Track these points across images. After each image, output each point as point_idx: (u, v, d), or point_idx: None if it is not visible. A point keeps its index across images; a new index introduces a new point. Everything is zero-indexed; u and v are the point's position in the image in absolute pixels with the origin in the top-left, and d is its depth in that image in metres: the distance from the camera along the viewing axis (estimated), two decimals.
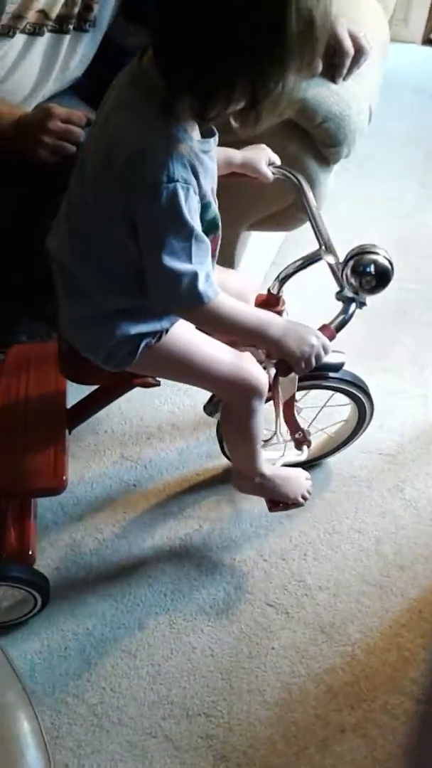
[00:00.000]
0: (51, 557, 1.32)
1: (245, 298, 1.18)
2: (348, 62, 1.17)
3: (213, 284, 0.87)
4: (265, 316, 0.94)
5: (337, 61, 1.17)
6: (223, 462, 1.43)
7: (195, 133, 0.84)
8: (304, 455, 1.30)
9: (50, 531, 1.36)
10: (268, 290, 1.03)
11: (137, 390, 1.18)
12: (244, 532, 1.37)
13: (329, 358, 1.19)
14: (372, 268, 0.92)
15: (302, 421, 1.29)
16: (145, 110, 0.79)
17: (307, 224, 1.31)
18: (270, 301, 1.03)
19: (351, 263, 0.93)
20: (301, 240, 1.10)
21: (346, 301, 0.96)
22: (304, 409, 1.31)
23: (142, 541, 1.35)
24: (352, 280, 0.93)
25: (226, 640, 1.23)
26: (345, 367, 1.19)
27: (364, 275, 0.92)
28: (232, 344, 1.08)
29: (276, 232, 1.46)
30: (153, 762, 1.11)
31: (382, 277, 0.93)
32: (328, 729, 1.15)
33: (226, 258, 1.44)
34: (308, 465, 1.42)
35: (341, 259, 0.96)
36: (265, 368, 1.13)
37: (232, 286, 1.15)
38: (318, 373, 1.19)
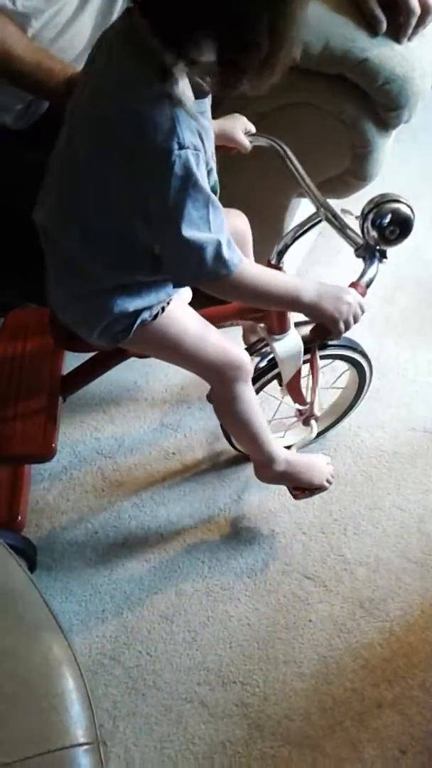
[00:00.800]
0: (90, 521, 1.32)
1: (246, 237, 1.16)
2: (414, 21, 1.12)
3: (236, 250, 0.84)
4: (294, 282, 0.91)
5: (402, 20, 1.12)
6: None
7: (189, 93, 0.80)
8: (314, 430, 1.27)
9: (90, 495, 1.36)
10: (268, 261, 1.00)
11: None
12: (283, 504, 1.35)
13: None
14: (394, 217, 0.88)
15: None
16: (141, 74, 0.74)
17: (362, 193, 1.29)
18: None
19: (371, 215, 0.89)
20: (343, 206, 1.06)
21: (370, 256, 0.92)
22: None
23: (180, 509, 1.35)
24: (374, 233, 0.89)
25: (263, 611, 1.23)
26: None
27: (387, 226, 0.88)
28: (218, 326, 1.07)
29: (329, 199, 1.42)
30: (187, 727, 1.11)
31: (404, 225, 0.89)
32: (365, 704, 1.14)
33: (276, 226, 1.41)
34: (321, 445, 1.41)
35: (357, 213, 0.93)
36: (255, 351, 1.13)
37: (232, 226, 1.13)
38: (322, 344, 1.15)
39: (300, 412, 1.23)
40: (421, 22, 1.15)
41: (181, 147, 0.74)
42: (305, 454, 1.26)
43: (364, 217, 0.90)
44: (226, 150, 1.07)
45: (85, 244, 0.90)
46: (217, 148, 1.03)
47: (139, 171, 0.77)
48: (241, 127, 1.06)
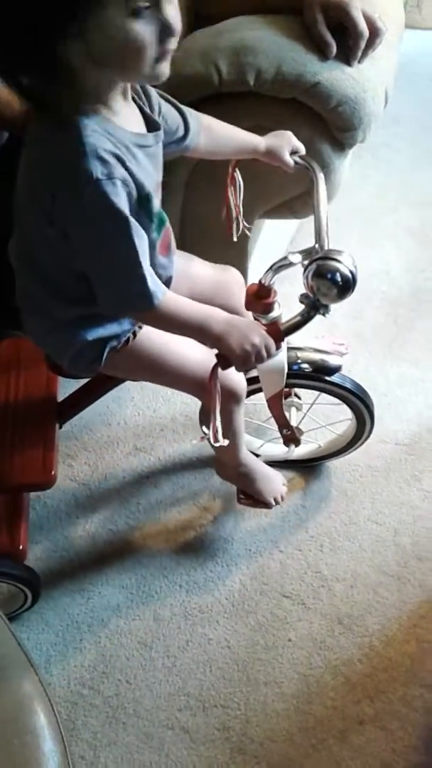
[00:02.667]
0: (65, 550, 1.32)
1: (231, 290, 1.17)
2: (363, 44, 1.15)
3: (158, 281, 0.84)
4: (206, 311, 0.89)
5: (351, 43, 1.15)
6: None
7: (128, 124, 0.81)
8: (290, 453, 1.28)
9: (64, 522, 1.35)
10: (260, 281, 1.01)
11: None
12: (259, 523, 1.35)
13: (328, 360, 1.18)
14: (336, 276, 0.86)
15: (297, 421, 1.29)
16: (43, 123, 0.79)
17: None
18: (261, 292, 0.99)
19: (313, 268, 0.87)
20: (309, 229, 1.08)
21: (307, 305, 0.91)
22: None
23: (156, 533, 1.34)
24: (314, 285, 0.89)
25: (242, 632, 1.22)
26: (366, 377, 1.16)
27: (326, 282, 0.88)
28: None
29: (290, 219, 1.44)
30: (169, 754, 1.10)
31: (343, 286, 0.87)
32: (347, 721, 1.14)
33: (239, 247, 1.42)
34: (298, 465, 1.42)
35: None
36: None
37: (205, 280, 1.15)
38: (310, 374, 1.17)
39: (281, 433, 1.24)
40: (371, 44, 1.17)
41: (90, 179, 0.74)
42: (267, 466, 1.28)
43: (306, 268, 0.89)
44: (269, 167, 1.07)
45: (34, 276, 0.91)
46: (258, 161, 1.06)
47: (57, 208, 0.79)
48: (288, 147, 1.07)
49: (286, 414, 1.23)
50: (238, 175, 1.10)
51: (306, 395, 1.33)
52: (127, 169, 0.78)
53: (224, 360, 0.89)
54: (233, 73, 1.14)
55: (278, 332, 0.92)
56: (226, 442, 0.88)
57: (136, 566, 1.30)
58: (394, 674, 1.18)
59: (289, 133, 1.08)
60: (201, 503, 1.38)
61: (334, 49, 1.15)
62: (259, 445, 1.38)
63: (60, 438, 1.45)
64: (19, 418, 1.19)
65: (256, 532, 1.34)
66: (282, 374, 1.11)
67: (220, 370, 0.89)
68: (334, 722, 1.13)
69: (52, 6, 0.66)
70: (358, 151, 1.31)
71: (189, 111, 0.98)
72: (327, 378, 1.19)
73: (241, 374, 1.08)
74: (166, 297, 0.85)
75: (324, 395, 1.25)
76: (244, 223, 1.15)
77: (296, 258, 0.93)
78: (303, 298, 0.91)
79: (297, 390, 1.34)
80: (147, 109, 0.88)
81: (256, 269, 1.11)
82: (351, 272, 0.87)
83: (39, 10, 0.66)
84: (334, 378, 1.19)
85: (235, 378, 1.06)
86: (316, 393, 1.26)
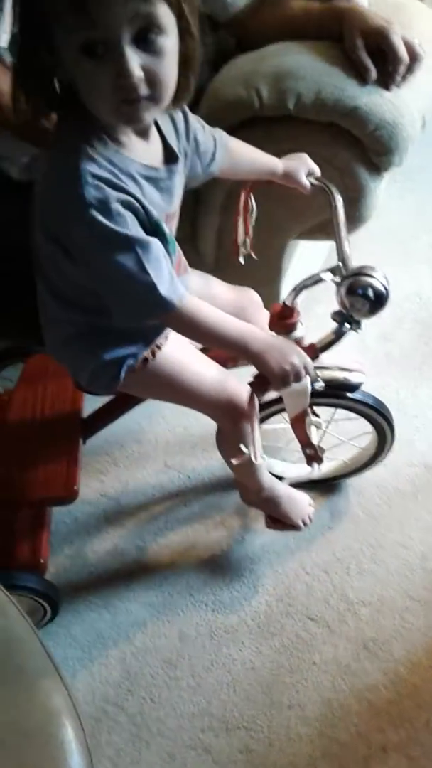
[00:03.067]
0: (93, 565, 1.32)
1: (247, 311, 1.17)
2: (402, 69, 1.16)
3: (177, 287, 0.84)
4: (246, 329, 0.90)
5: (390, 68, 1.16)
6: None
7: (137, 155, 0.82)
8: (315, 473, 1.28)
9: (93, 537, 1.36)
10: (283, 301, 1.02)
11: None
12: (286, 544, 1.35)
13: (348, 377, 1.18)
14: (368, 292, 0.87)
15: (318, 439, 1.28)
16: (50, 150, 0.81)
17: (359, 233, 1.31)
18: (284, 313, 1.01)
19: (346, 284, 0.89)
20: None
21: (340, 322, 0.92)
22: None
23: (183, 551, 1.34)
24: (347, 301, 0.90)
25: (267, 653, 1.22)
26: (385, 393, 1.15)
27: (359, 297, 0.88)
28: (223, 363, 1.07)
29: (325, 241, 1.44)
30: None
31: (376, 301, 0.88)
32: (371, 748, 1.12)
33: (274, 268, 1.43)
34: (324, 485, 1.41)
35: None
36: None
37: (225, 299, 1.15)
38: (332, 392, 1.17)
39: (304, 453, 1.24)
40: (410, 69, 1.18)
41: (87, 205, 0.75)
42: (292, 489, 1.27)
43: (339, 285, 0.90)
44: (286, 190, 1.09)
45: (47, 289, 0.94)
46: (275, 184, 1.08)
47: (61, 231, 0.81)
48: (304, 169, 1.08)
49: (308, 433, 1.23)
50: (251, 200, 1.11)
51: (322, 412, 1.32)
52: (130, 194, 0.78)
53: (262, 380, 0.90)
54: (274, 97, 1.16)
55: (315, 351, 0.93)
56: (264, 459, 0.88)
57: (162, 583, 1.30)
58: (419, 701, 1.17)
59: (305, 156, 1.09)
60: (229, 522, 1.38)
61: (374, 75, 1.16)
62: (282, 467, 1.38)
63: (91, 453, 1.48)
64: (44, 433, 1.21)
65: (283, 553, 1.34)
66: (306, 393, 1.10)
67: (252, 389, 0.90)
68: (357, 748, 1.12)
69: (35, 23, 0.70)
70: (393, 174, 1.32)
71: (217, 135, 1.00)
72: (349, 395, 1.19)
73: (246, 389, 1.09)
74: (187, 303, 0.85)
75: (339, 411, 1.25)
76: (250, 249, 1.15)
77: (328, 276, 0.95)
78: (336, 316, 0.93)
79: (315, 408, 1.34)
80: (172, 140, 0.88)
81: (289, 289, 1.13)
82: (384, 287, 0.88)
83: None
84: (355, 394, 1.19)
85: (241, 392, 1.06)
86: (332, 409, 1.26)
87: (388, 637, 1.24)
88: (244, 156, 1.05)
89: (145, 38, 0.69)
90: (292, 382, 0.91)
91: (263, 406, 1.21)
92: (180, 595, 1.28)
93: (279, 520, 1.27)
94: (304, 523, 1.27)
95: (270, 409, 1.23)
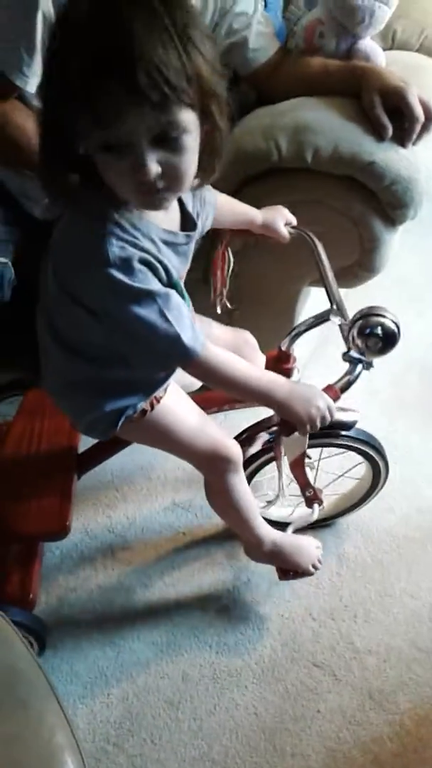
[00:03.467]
0: (98, 601, 1.32)
1: (243, 352, 1.18)
2: (418, 127, 1.20)
3: (199, 335, 0.85)
4: (269, 377, 0.93)
5: (407, 126, 1.20)
6: None
7: (158, 221, 0.84)
8: (315, 514, 1.29)
9: (98, 573, 1.36)
10: (279, 347, 1.04)
11: None
12: (293, 588, 1.34)
13: (342, 417, 1.20)
14: (378, 330, 0.90)
15: (313, 479, 1.29)
16: (74, 220, 0.82)
17: (372, 282, 1.34)
18: (281, 358, 1.02)
19: (358, 324, 0.92)
20: (355, 298, 1.11)
21: (353, 362, 0.95)
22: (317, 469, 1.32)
23: (189, 591, 1.34)
24: (359, 342, 0.92)
25: (271, 699, 1.21)
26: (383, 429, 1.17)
27: (371, 337, 0.91)
28: (221, 405, 1.10)
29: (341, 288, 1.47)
30: None
31: (388, 340, 0.91)
32: None
33: (287, 313, 1.46)
34: (320, 524, 1.42)
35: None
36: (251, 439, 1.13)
37: (223, 340, 1.17)
38: (330, 431, 1.18)
39: (304, 495, 1.25)
40: (426, 128, 1.22)
41: (108, 264, 0.76)
42: (295, 536, 1.27)
43: (351, 325, 0.93)
44: (265, 239, 1.12)
45: (50, 335, 0.95)
46: (255, 235, 1.11)
47: (83, 291, 0.82)
48: (282, 219, 1.12)
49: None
50: (229, 253, 1.14)
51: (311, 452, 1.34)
52: (151, 254, 0.80)
53: (288, 427, 0.92)
54: (292, 150, 1.20)
55: (336, 393, 0.94)
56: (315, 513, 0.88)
57: (167, 623, 1.30)
58: (425, 756, 1.15)
59: (282, 207, 1.13)
60: (235, 564, 1.38)
61: (390, 132, 1.20)
62: (282, 514, 1.39)
63: (100, 488, 1.49)
64: (39, 467, 1.22)
65: (290, 598, 1.33)
66: (305, 437, 1.12)
67: (278, 434, 0.92)
68: None
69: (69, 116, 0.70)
70: (407, 226, 1.34)
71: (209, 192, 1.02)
72: (344, 433, 1.20)
73: (234, 441, 1.11)
74: (210, 350, 0.87)
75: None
76: (226, 301, 1.18)
77: (337, 319, 0.97)
78: (346, 357, 0.95)
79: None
80: (189, 206, 0.91)
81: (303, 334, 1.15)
82: (395, 324, 0.90)
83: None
84: (351, 432, 1.20)
85: (227, 443, 1.09)
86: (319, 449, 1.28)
87: (395, 688, 1.22)
88: (225, 207, 1.08)
89: (165, 138, 0.70)
90: (318, 426, 0.92)
91: (250, 459, 1.23)
92: (184, 636, 1.28)
93: (289, 570, 1.26)
94: (315, 567, 1.26)
95: (259, 461, 1.25)
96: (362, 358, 0.94)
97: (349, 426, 1.19)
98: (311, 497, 1.25)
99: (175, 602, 1.33)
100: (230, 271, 1.16)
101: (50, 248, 0.87)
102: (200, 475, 1.51)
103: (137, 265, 0.78)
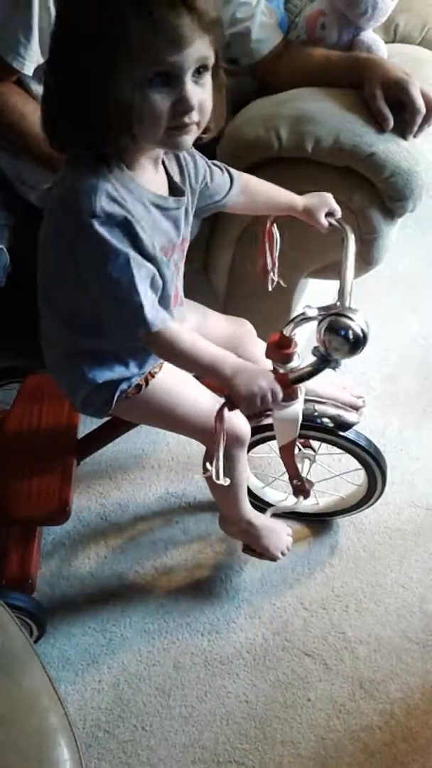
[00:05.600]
0: (91, 588, 1.32)
1: (243, 341, 1.21)
2: (419, 120, 1.20)
3: (160, 312, 0.87)
4: (218, 353, 0.93)
5: (408, 118, 1.20)
6: None
7: (150, 184, 0.87)
8: (300, 505, 1.29)
9: (91, 561, 1.36)
10: (281, 331, 1.03)
11: None
12: (285, 578, 1.35)
13: (343, 415, 1.20)
14: (347, 333, 0.88)
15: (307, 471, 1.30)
16: (69, 177, 0.84)
17: (369, 276, 1.34)
18: (282, 342, 1.01)
19: (326, 322, 0.89)
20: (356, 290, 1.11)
21: (318, 357, 0.93)
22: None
23: (181, 579, 1.34)
24: (325, 339, 0.91)
25: (262, 687, 1.21)
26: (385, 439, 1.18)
27: (337, 337, 0.90)
28: (215, 389, 1.10)
29: (336, 281, 1.47)
30: None
31: (354, 343, 0.89)
32: None
33: (284, 304, 1.46)
34: (317, 520, 1.43)
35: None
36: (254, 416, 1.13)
37: (219, 329, 1.19)
38: (321, 426, 1.19)
39: (291, 484, 1.25)
40: (427, 120, 1.22)
41: (93, 215, 0.79)
42: (271, 520, 1.29)
43: (320, 321, 0.91)
44: (305, 225, 1.11)
45: (49, 306, 0.97)
46: (294, 218, 1.10)
47: (68, 238, 0.85)
48: (324, 208, 1.10)
49: (299, 465, 1.24)
50: (275, 230, 1.14)
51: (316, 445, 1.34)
52: (138, 223, 0.83)
53: (231, 401, 0.92)
54: (293, 139, 1.20)
55: (286, 380, 0.94)
56: (227, 482, 0.89)
57: (159, 611, 1.30)
58: (414, 745, 1.15)
59: (328, 195, 1.11)
60: (228, 553, 1.38)
61: (391, 123, 1.20)
62: (275, 497, 1.39)
63: (94, 476, 1.49)
64: (39, 452, 1.22)
65: (282, 587, 1.34)
66: (295, 424, 1.11)
67: (226, 410, 0.92)
68: None
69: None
70: (404, 221, 1.35)
71: (236, 174, 1.05)
72: (341, 433, 1.20)
73: (245, 419, 1.11)
74: (168, 327, 0.88)
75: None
76: (278, 277, 1.17)
77: (313, 312, 0.96)
78: (315, 351, 0.94)
79: (312, 443, 1.35)
80: (176, 178, 0.93)
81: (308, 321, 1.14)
82: (362, 330, 0.89)
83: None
84: (349, 434, 1.21)
85: (238, 421, 1.09)
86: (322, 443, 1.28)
87: (385, 678, 1.23)
88: (260, 193, 1.09)
89: (198, 73, 0.78)
90: (258, 406, 0.92)
91: (253, 432, 1.22)
92: (176, 624, 1.28)
93: (255, 550, 1.29)
94: (282, 554, 1.29)
95: (258, 436, 1.24)
96: (327, 355, 0.92)
97: (346, 426, 1.19)
98: (298, 487, 1.25)
99: (167, 590, 1.33)
100: (277, 249, 1.15)
101: (45, 213, 0.89)
102: (193, 464, 1.53)
103: (120, 225, 0.81)
